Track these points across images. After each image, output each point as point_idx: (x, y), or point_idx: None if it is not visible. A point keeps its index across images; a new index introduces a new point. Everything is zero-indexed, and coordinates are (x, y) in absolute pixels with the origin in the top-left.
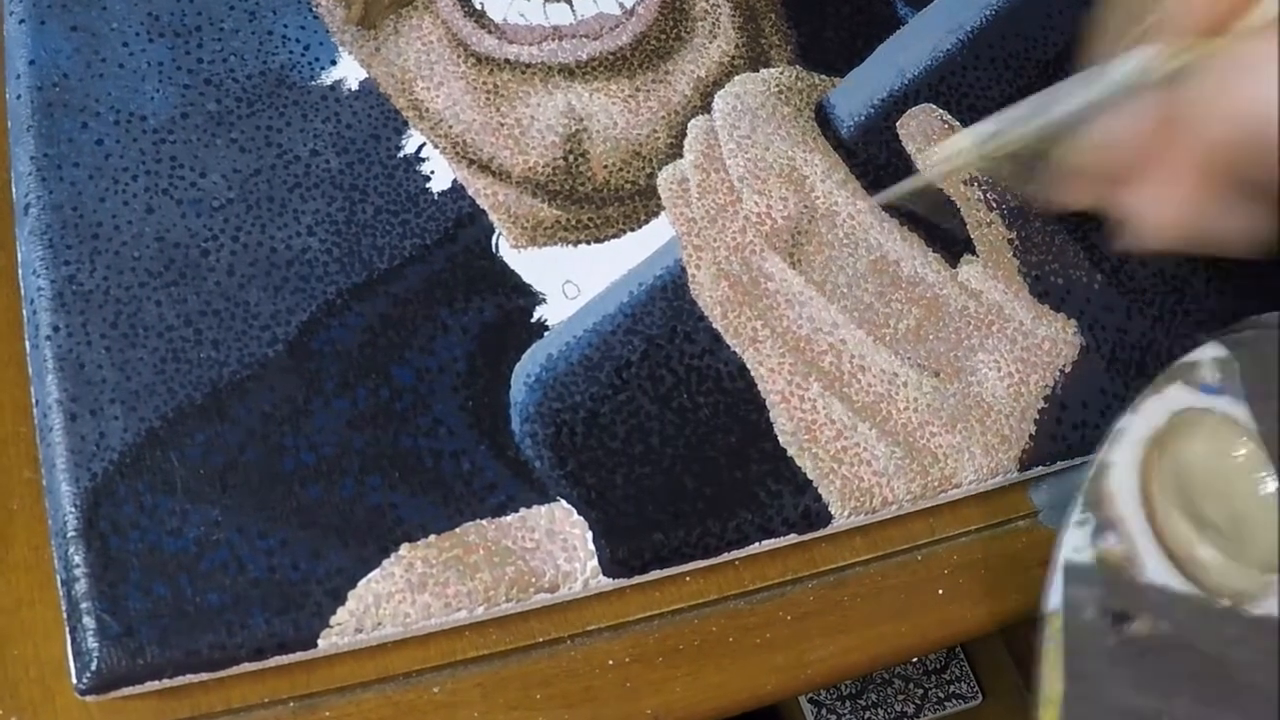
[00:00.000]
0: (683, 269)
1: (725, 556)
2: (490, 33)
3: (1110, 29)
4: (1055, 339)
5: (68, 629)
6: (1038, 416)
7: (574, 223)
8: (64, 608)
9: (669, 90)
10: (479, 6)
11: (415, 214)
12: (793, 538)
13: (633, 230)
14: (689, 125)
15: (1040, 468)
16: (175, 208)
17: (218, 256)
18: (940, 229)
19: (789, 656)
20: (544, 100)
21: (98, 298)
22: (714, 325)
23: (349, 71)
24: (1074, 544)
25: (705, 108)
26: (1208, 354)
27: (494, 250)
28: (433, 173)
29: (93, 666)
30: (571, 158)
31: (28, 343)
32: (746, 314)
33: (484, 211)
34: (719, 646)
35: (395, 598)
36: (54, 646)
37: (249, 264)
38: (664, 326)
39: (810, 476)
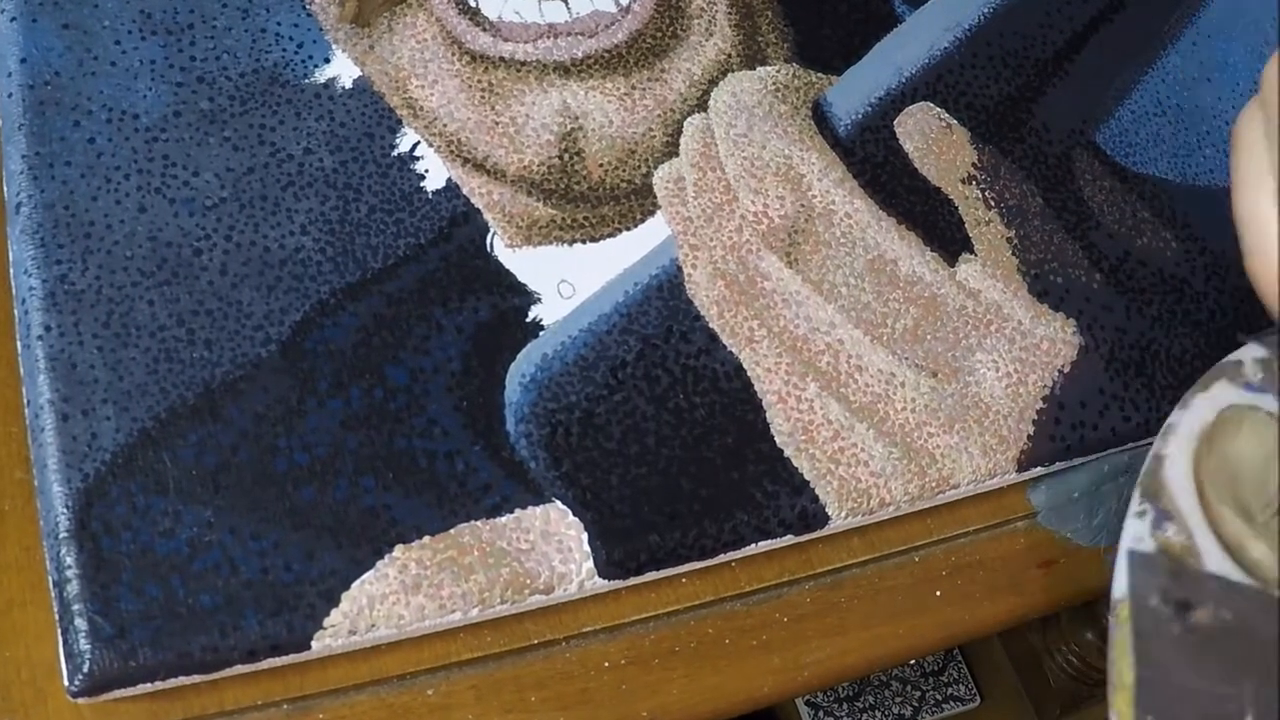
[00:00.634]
0: (679, 268)
1: (722, 558)
2: (485, 30)
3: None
4: (1054, 339)
5: (59, 630)
6: (1036, 417)
7: (569, 222)
8: (56, 609)
9: (665, 88)
10: (474, 4)
11: (409, 213)
12: (789, 539)
13: (628, 229)
14: (685, 124)
15: (1039, 468)
16: (168, 207)
17: (210, 256)
18: (938, 228)
19: (786, 658)
20: (539, 99)
21: (90, 297)
22: (710, 325)
23: (342, 69)
24: (1135, 533)
25: (701, 106)
26: (1249, 354)
27: (489, 249)
28: (427, 171)
29: (85, 668)
30: (567, 156)
31: (19, 342)
32: (743, 313)
33: (478, 210)
34: (715, 648)
35: (389, 599)
36: (46, 648)
37: (242, 263)
38: (660, 326)
39: (807, 477)
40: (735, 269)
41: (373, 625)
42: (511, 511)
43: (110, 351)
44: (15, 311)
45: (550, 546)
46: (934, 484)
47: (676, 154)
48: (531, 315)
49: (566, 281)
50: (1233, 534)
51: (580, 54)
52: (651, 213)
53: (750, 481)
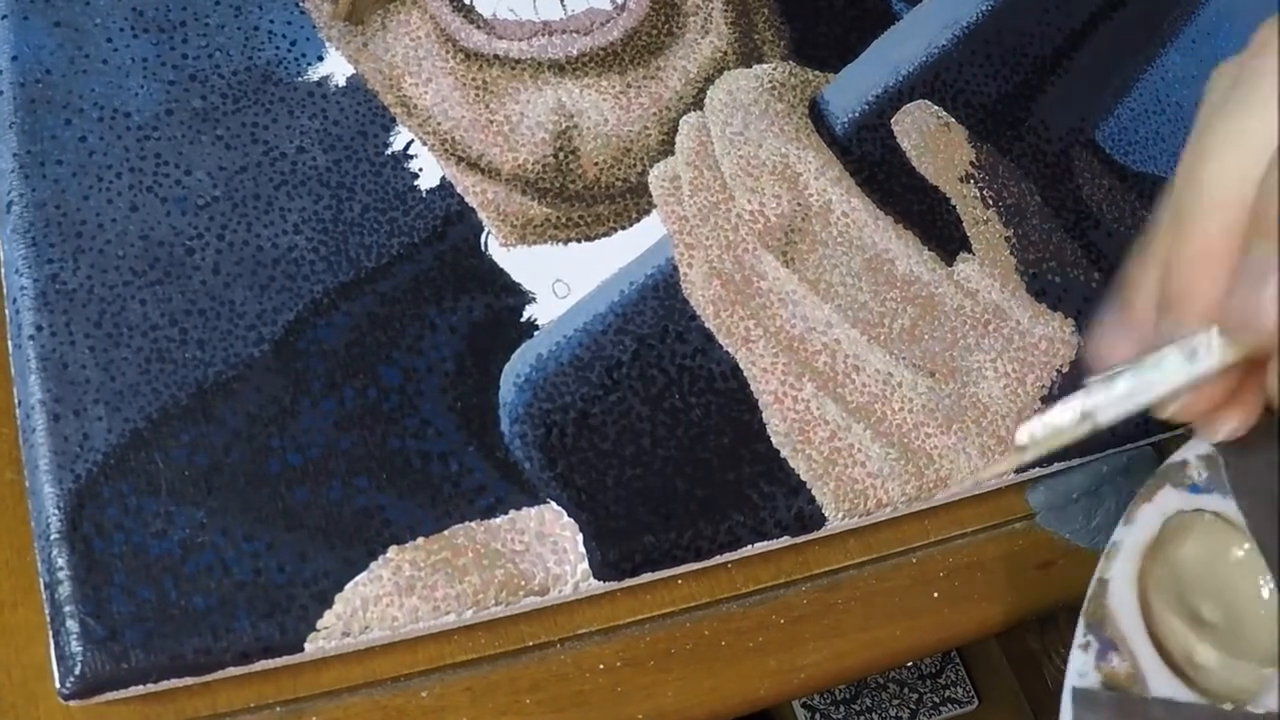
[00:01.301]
0: (674, 268)
1: (717, 559)
2: (479, 28)
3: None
4: (1052, 338)
5: (51, 632)
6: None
7: (564, 221)
8: (47, 611)
9: (660, 86)
10: (468, 1)
11: (403, 212)
12: (786, 540)
13: (624, 228)
14: (681, 122)
15: (1037, 469)
16: (160, 205)
17: (203, 255)
18: (936, 226)
19: (782, 660)
20: (534, 97)
21: (81, 297)
22: (706, 325)
23: (336, 67)
24: (1079, 669)
25: (697, 104)
26: (1192, 452)
27: (483, 248)
28: (421, 170)
29: (76, 671)
30: (562, 155)
31: (10, 343)
32: (739, 313)
33: (473, 209)
34: (711, 650)
35: (383, 601)
36: (37, 650)
37: (234, 263)
38: (655, 326)
39: (804, 478)
40: (731, 268)
41: (366, 627)
42: (506, 512)
43: (102, 351)
44: (6, 311)
45: (545, 548)
46: (931, 485)
47: (672, 153)
48: (526, 315)
49: (561, 281)
50: (1179, 646)
51: (575, 52)
52: (647, 212)
53: (746, 482)
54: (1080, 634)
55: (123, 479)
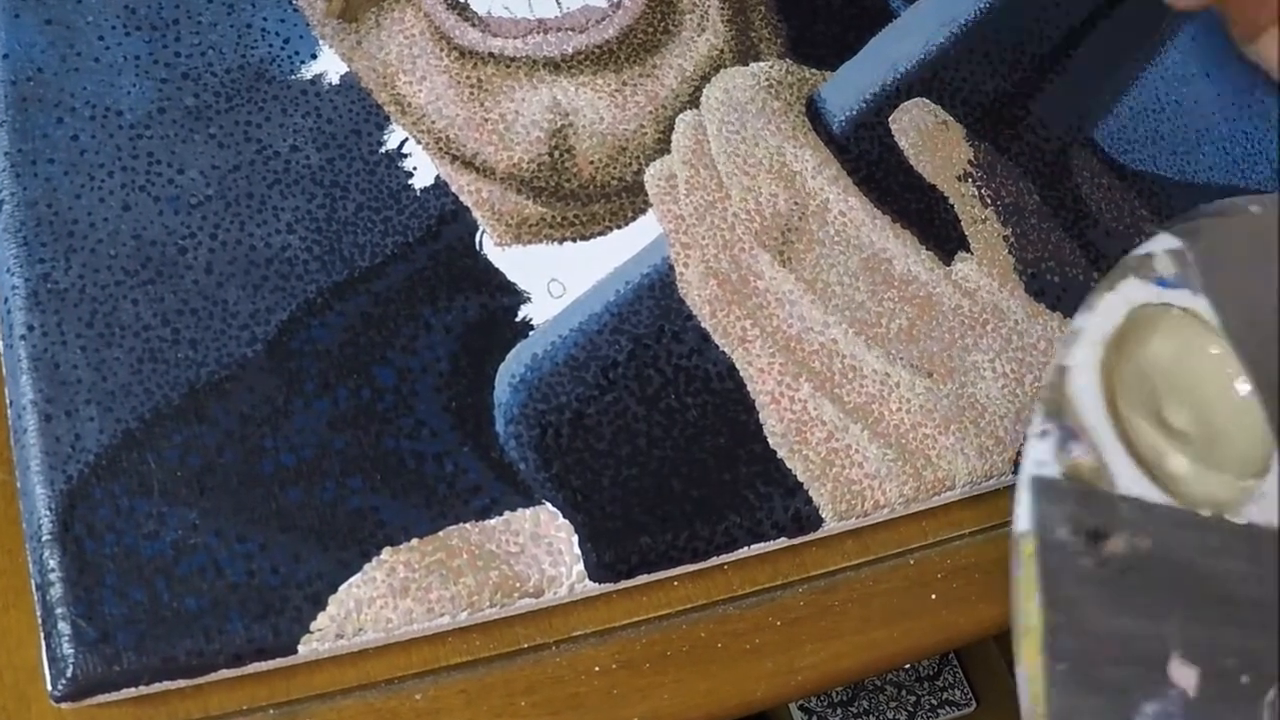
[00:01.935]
0: (670, 267)
1: (714, 561)
2: (474, 26)
3: None
4: (1051, 338)
5: (42, 635)
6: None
7: (559, 220)
8: (39, 613)
9: (656, 84)
10: None
11: (397, 211)
12: (783, 541)
13: (619, 227)
14: (677, 120)
15: None
16: (152, 205)
17: (195, 254)
18: (934, 226)
19: (779, 663)
20: (529, 95)
21: (73, 296)
22: (702, 324)
23: (329, 65)
24: (1038, 458)
25: (693, 102)
26: (1160, 245)
27: (478, 248)
28: (415, 169)
29: (68, 673)
30: (557, 153)
31: (1, 343)
32: (735, 313)
33: (467, 208)
34: (708, 652)
35: (377, 603)
36: (28, 653)
37: (227, 262)
38: (651, 326)
39: (801, 479)
40: (728, 268)
41: (360, 629)
42: (501, 514)
43: (94, 351)
44: None
45: (540, 549)
46: (929, 486)
47: (668, 151)
48: (521, 314)
49: (557, 280)
50: (1149, 447)
51: (570, 49)
52: (643, 211)
53: (743, 483)
54: (1037, 422)
55: (115, 480)
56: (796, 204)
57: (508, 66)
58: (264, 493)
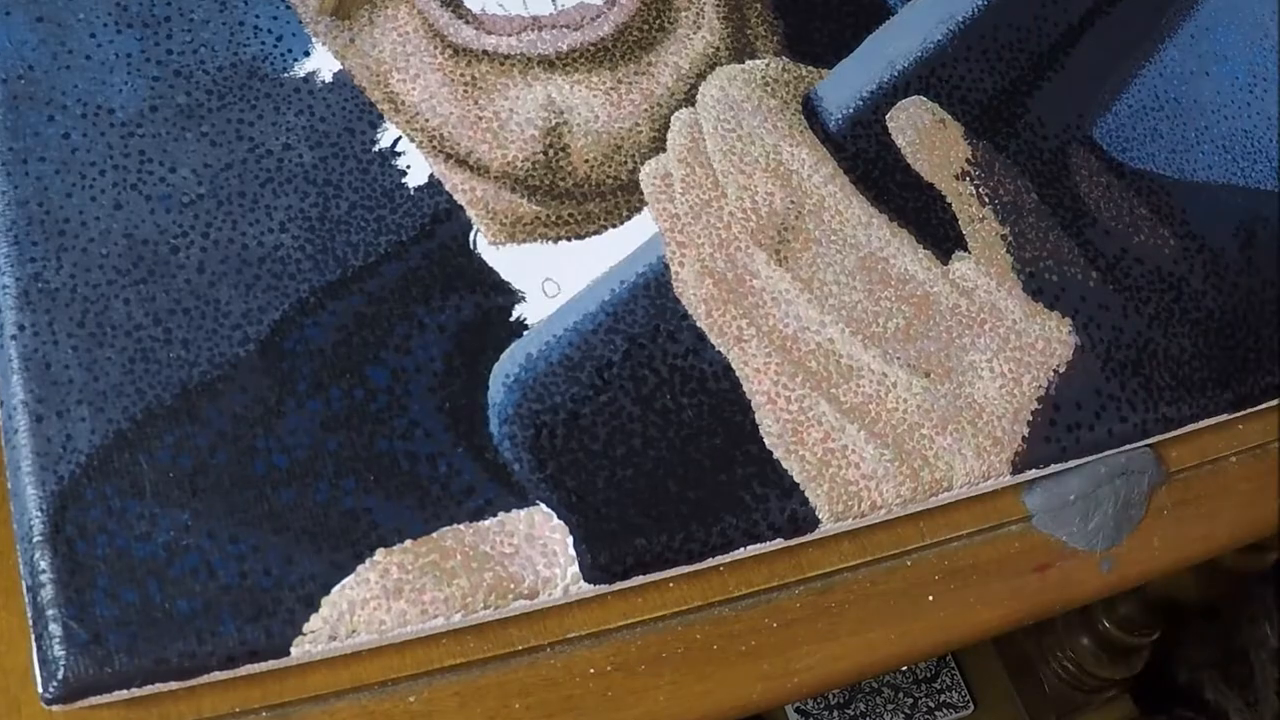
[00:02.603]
0: (666, 266)
1: (710, 562)
2: (468, 23)
3: None
4: (1049, 338)
5: (33, 636)
6: (1031, 418)
7: (554, 218)
8: (30, 614)
9: (652, 82)
10: None
11: (391, 209)
12: (779, 542)
13: (614, 226)
14: (672, 118)
15: (1033, 470)
16: (144, 203)
17: (188, 253)
18: (931, 224)
19: (775, 664)
20: (523, 93)
21: (64, 296)
22: (698, 324)
23: (322, 63)
24: None
25: (689, 100)
26: None
27: (472, 247)
28: (409, 167)
29: (59, 675)
30: (551, 152)
31: None
32: (731, 312)
33: (461, 207)
34: (703, 654)
35: (370, 604)
36: (19, 655)
37: (220, 261)
38: (646, 325)
39: (797, 479)
40: (723, 267)
41: (353, 631)
42: (495, 514)
43: (85, 351)
44: None
45: (534, 550)
46: (927, 486)
47: (663, 149)
48: (515, 314)
49: (551, 279)
50: None
51: (565, 47)
52: (638, 209)
53: (739, 484)
54: None
55: (106, 480)
56: (793, 203)
57: (502, 64)
58: (256, 493)
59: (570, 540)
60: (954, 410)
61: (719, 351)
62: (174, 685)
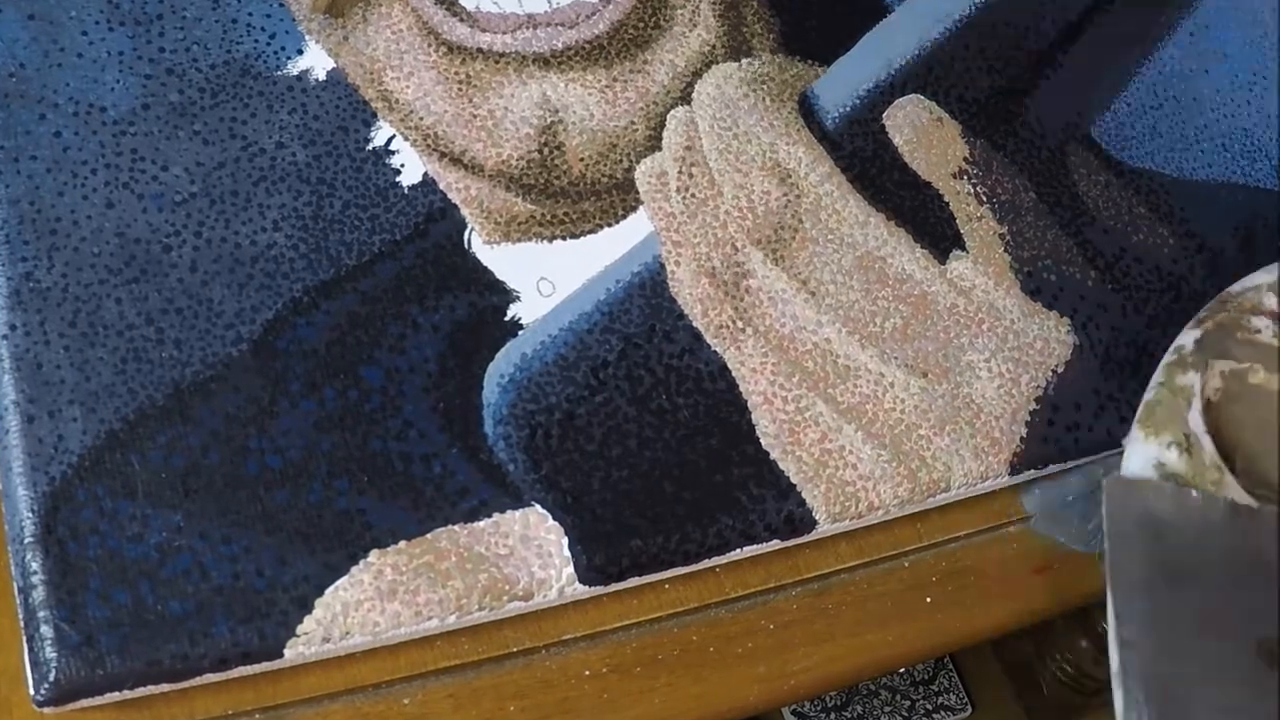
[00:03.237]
0: (661, 265)
1: (706, 563)
2: (462, 21)
3: None
4: (1048, 338)
5: (25, 638)
6: (1029, 418)
7: (549, 217)
8: (21, 616)
9: (647, 80)
10: None
11: (385, 208)
12: (776, 544)
13: (610, 225)
14: (668, 116)
15: (1032, 471)
16: (136, 202)
17: (180, 253)
18: (929, 224)
19: (772, 667)
20: (518, 91)
21: (56, 295)
22: (694, 324)
23: (316, 61)
24: None
25: (685, 98)
26: None
27: (466, 246)
28: (403, 166)
29: (50, 677)
30: (546, 150)
31: None
32: (728, 312)
33: (456, 206)
34: (700, 656)
35: (364, 606)
36: (10, 656)
37: (212, 260)
38: (642, 325)
39: (794, 480)
40: (720, 266)
41: (347, 633)
42: (490, 515)
43: (77, 351)
44: None
45: (530, 551)
46: (924, 487)
47: (659, 148)
48: (510, 314)
49: (546, 279)
50: None
51: (560, 45)
52: (634, 208)
53: (735, 485)
54: None
55: (98, 481)
56: (789, 202)
57: (496, 62)
58: (249, 494)
59: (565, 541)
60: (952, 410)
61: (715, 351)
62: (166, 687)
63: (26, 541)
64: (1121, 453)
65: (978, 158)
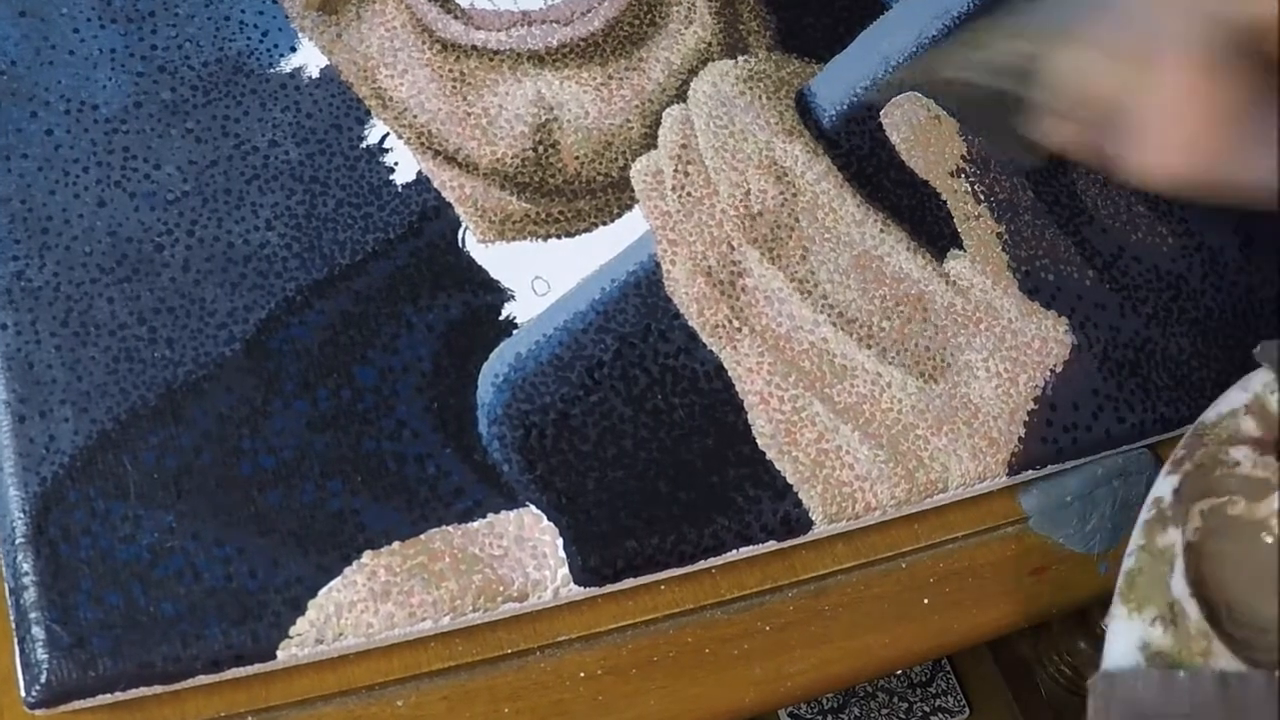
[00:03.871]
0: (657, 264)
1: (701, 564)
2: (456, 18)
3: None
4: (1046, 337)
5: (16, 640)
6: (1027, 418)
7: (544, 216)
8: (12, 617)
9: (643, 78)
10: None
11: (378, 207)
12: (772, 545)
13: (605, 224)
14: (664, 114)
15: (1030, 471)
16: (128, 201)
17: (172, 252)
18: (926, 222)
19: (768, 668)
20: (512, 88)
21: (47, 294)
22: (689, 323)
23: (309, 59)
24: None
25: (681, 96)
26: None
27: (460, 245)
28: (396, 164)
29: (42, 679)
30: (541, 148)
31: None
32: (724, 311)
33: (450, 204)
34: (695, 658)
35: (357, 607)
36: (1, 658)
37: (205, 259)
38: (637, 324)
39: (790, 481)
40: (716, 265)
41: (340, 634)
42: (484, 516)
43: (69, 351)
44: None
45: (524, 552)
46: (922, 488)
47: (655, 146)
48: (505, 313)
49: (541, 278)
50: None
51: (555, 42)
52: (629, 207)
53: (731, 485)
54: None
55: (90, 482)
56: (786, 200)
57: (491, 60)
58: (242, 495)
59: (560, 542)
60: (949, 410)
61: (711, 351)
62: (158, 689)
63: (18, 542)
64: (1120, 453)
65: (975, 156)
